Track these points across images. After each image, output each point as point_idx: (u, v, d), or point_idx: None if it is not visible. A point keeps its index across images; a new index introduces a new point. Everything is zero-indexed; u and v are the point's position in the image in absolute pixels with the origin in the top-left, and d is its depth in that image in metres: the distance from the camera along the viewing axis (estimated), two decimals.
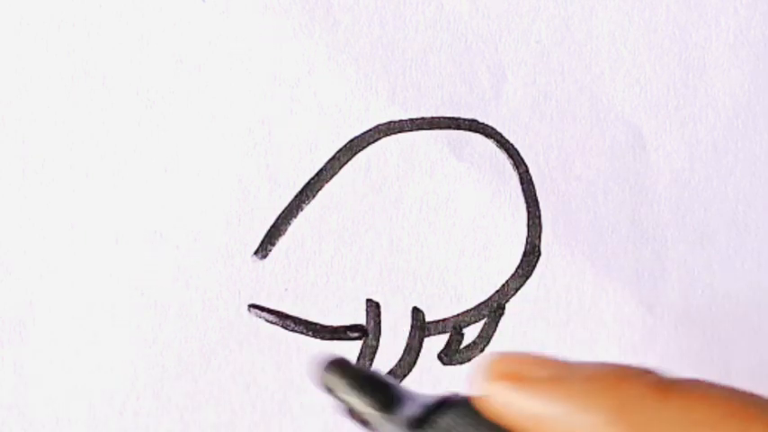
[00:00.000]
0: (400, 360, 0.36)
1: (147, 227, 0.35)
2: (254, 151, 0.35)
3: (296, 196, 0.36)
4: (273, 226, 0.36)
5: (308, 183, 0.36)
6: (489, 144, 0.36)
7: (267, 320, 0.35)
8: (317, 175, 0.36)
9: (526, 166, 0.37)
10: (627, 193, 0.37)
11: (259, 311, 0.35)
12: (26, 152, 0.34)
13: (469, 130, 0.36)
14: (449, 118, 0.36)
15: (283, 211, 0.36)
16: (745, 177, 0.38)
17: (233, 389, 0.35)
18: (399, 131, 0.36)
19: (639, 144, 0.37)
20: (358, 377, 0.25)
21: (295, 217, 0.36)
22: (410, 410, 0.24)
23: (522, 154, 0.37)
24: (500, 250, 0.37)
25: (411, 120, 0.36)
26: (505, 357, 0.23)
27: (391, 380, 0.25)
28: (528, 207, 0.37)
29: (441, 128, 0.36)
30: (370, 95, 0.36)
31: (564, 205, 0.37)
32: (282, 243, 0.36)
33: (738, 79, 0.38)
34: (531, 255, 0.37)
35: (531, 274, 0.37)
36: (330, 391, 0.25)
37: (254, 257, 0.35)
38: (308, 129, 0.36)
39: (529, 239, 0.37)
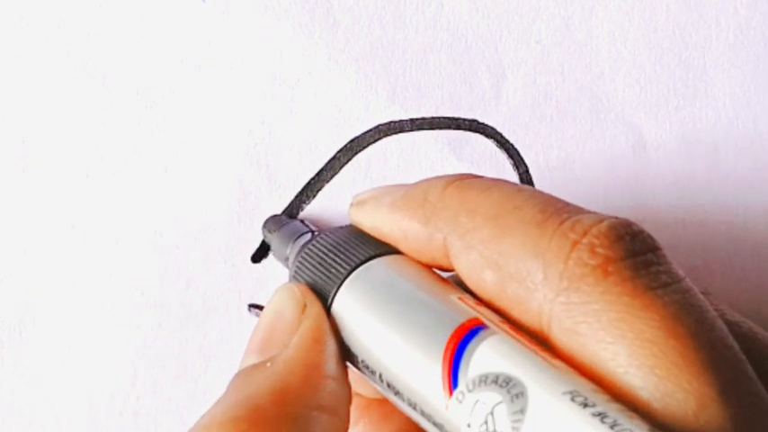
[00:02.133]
0: None
1: (147, 227, 0.35)
2: (254, 151, 0.35)
3: (296, 196, 0.36)
4: None
5: (308, 183, 0.36)
6: (489, 144, 0.36)
7: None
8: (317, 175, 0.36)
9: (526, 166, 0.37)
10: (627, 193, 0.37)
11: (259, 311, 0.35)
12: (26, 152, 0.34)
13: (469, 130, 0.36)
14: (449, 118, 0.36)
15: (283, 211, 0.36)
16: (745, 177, 0.38)
17: None
18: (399, 131, 0.36)
19: (639, 144, 0.37)
20: (279, 221, 0.33)
21: (295, 217, 0.36)
22: (305, 239, 0.31)
23: (522, 154, 0.37)
24: None
25: (411, 120, 0.36)
26: (366, 191, 0.29)
27: (299, 224, 0.33)
28: None
29: (441, 128, 0.36)
30: (370, 95, 0.36)
31: None
32: None
33: (738, 79, 0.38)
34: None
35: None
36: (266, 239, 0.33)
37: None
38: (308, 129, 0.36)
39: None
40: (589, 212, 0.24)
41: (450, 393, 0.22)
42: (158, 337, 0.35)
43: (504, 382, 0.21)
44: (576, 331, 0.22)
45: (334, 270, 0.27)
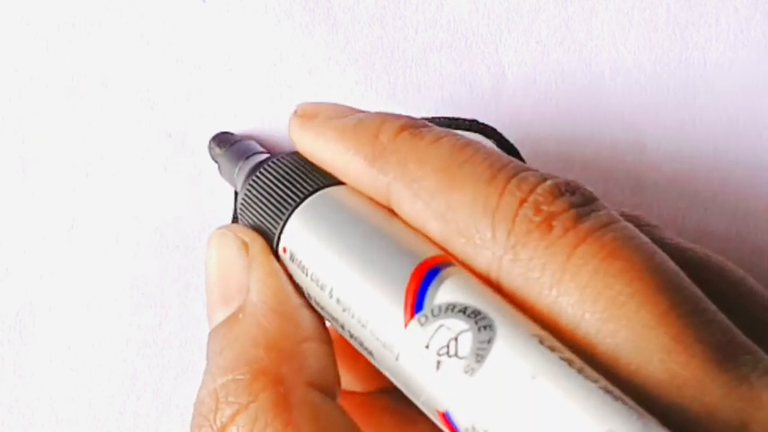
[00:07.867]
0: None
1: (147, 227, 0.35)
2: None
3: None
4: None
5: None
6: (489, 144, 0.36)
7: None
8: None
9: None
10: (627, 193, 0.37)
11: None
12: (26, 152, 0.34)
13: (469, 130, 0.36)
14: (449, 118, 0.36)
15: None
16: (745, 177, 0.38)
17: None
18: None
19: (639, 144, 0.37)
20: (227, 141, 0.32)
21: None
22: (254, 162, 0.29)
23: (522, 154, 0.37)
24: None
25: None
26: (311, 103, 0.28)
27: (250, 143, 0.32)
28: None
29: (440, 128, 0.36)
30: (370, 95, 0.36)
31: None
32: None
33: (738, 79, 0.38)
34: None
35: None
36: (212, 156, 0.33)
37: None
38: None
39: None
40: (534, 170, 0.24)
41: (412, 316, 0.22)
42: (158, 337, 0.35)
43: (473, 314, 0.22)
44: (526, 285, 0.22)
45: (278, 207, 0.26)
